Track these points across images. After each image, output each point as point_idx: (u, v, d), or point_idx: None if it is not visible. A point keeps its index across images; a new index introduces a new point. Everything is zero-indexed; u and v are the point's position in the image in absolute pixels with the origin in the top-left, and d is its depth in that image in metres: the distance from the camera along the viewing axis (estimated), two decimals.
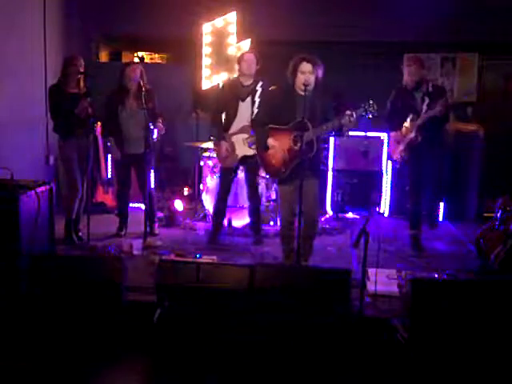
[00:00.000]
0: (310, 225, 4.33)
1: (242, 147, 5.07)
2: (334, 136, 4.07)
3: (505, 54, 7.01)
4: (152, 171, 5.55)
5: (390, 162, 5.61)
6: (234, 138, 5.07)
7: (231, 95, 5.04)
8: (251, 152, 5.00)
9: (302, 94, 4.08)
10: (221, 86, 5.60)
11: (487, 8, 6.58)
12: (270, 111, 4.34)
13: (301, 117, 4.08)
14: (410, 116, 4.89)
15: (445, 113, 4.84)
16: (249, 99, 4.98)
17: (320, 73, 4.18)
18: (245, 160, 5.12)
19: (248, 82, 5.01)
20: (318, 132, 4.11)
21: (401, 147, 5.01)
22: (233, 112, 5.03)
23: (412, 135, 4.87)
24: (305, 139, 4.06)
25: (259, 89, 4.99)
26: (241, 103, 5.01)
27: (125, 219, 5.50)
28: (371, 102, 3.99)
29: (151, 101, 5.11)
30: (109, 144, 5.38)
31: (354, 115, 3.99)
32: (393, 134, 5.14)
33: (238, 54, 5.40)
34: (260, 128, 4.40)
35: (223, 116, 5.11)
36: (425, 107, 4.89)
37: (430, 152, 4.98)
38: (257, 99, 4.96)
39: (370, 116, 4.02)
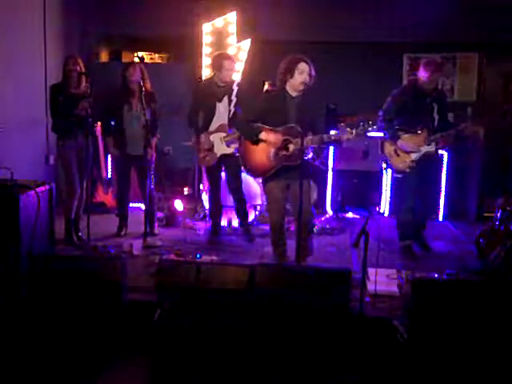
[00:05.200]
0: (305, 225, 4.24)
1: (220, 146, 5.11)
2: (328, 145, 4.18)
3: (505, 53, 7.01)
4: (152, 171, 5.55)
5: (389, 170, 5.08)
6: (212, 137, 5.13)
7: (207, 95, 5.10)
8: (229, 151, 5.09)
9: (293, 95, 4.10)
10: (196, 86, 5.55)
11: (487, 8, 6.59)
12: (259, 110, 4.27)
13: (291, 119, 4.10)
14: (421, 126, 4.62)
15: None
16: (225, 99, 5.06)
17: (312, 74, 4.17)
18: (224, 159, 5.16)
19: (223, 83, 5.08)
20: (316, 142, 4.10)
21: (412, 157, 4.68)
22: (211, 112, 5.10)
23: (432, 149, 4.64)
24: (298, 146, 4.05)
25: (235, 87, 5.09)
26: (218, 103, 5.07)
27: (125, 219, 5.50)
28: (370, 123, 4.05)
29: (153, 101, 5.17)
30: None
31: (354, 132, 4.06)
32: (403, 143, 4.70)
33: (213, 57, 5.28)
34: (246, 124, 4.32)
35: (201, 115, 5.18)
36: (436, 115, 4.71)
37: (436, 163, 5.01)
38: (233, 98, 5.05)
39: (368, 134, 4.16)
